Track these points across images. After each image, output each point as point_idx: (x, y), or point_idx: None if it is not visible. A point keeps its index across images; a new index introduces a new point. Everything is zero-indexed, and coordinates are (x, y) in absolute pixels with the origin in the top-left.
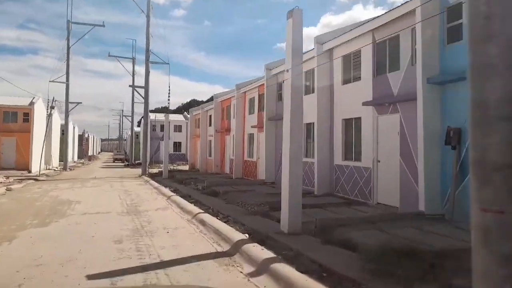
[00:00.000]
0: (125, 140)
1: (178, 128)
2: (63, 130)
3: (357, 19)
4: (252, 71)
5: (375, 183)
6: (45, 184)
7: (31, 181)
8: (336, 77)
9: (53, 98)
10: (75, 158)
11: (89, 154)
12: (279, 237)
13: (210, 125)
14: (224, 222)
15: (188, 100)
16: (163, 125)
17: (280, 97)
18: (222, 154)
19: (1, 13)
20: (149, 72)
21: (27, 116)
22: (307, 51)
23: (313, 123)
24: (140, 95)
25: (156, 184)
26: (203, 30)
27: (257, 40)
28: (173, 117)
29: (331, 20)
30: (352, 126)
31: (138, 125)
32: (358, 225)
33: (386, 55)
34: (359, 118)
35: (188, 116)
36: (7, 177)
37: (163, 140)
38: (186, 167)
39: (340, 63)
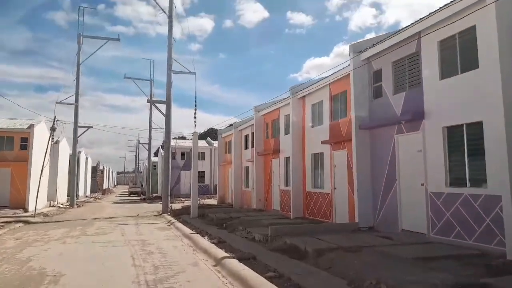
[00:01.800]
0: (141, 172)
1: (200, 156)
2: None
3: None
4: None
5: None
6: (32, 231)
7: (19, 224)
8: None
9: (55, 118)
10: (88, 192)
11: (104, 187)
12: None
13: (246, 147)
14: None
15: (206, 130)
16: (184, 152)
17: (378, 93)
18: (267, 184)
19: (26, 53)
20: (171, 83)
21: (26, 142)
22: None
23: (481, 122)
24: (160, 111)
25: (186, 229)
26: (218, 63)
27: (270, 72)
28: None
29: (344, 49)
30: None
31: (155, 155)
32: None
33: None
34: None
35: (212, 142)
36: None
37: (184, 169)
38: (213, 201)
39: None
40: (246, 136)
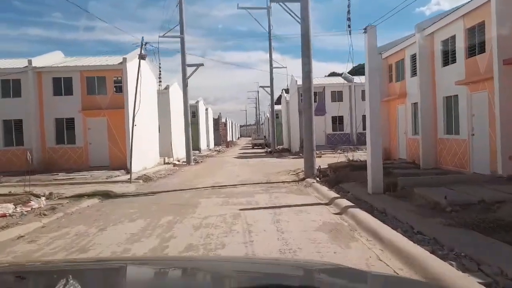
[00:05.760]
0: (262, 124)
1: (336, 96)
2: (193, 112)
3: None
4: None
5: None
6: (84, 225)
7: (91, 202)
8: None
9: (142, 39)
10: (211, 145)
11: (228, 139)
12: None
13: (447, 62)
14: None
15: (327, 74)
16: (315, 92)
17: None
18: None
19: (142, 20)
20: None
21: (121, 83)
22: None
23: None
24: (293, 15)
25: (415, 252)
26: (333, 7)
27: (376, 14)
28: (327, 80)
29: None
30: None
31: (278, 102)
32: None
33: None
34: None
35: (351, 77)
36: (49, 195)
37: (316, 114)
38: (360, 154)
39: None
40: (447, 41)
